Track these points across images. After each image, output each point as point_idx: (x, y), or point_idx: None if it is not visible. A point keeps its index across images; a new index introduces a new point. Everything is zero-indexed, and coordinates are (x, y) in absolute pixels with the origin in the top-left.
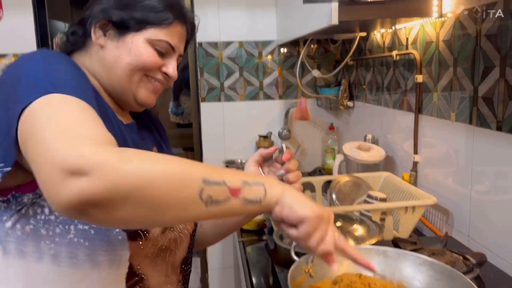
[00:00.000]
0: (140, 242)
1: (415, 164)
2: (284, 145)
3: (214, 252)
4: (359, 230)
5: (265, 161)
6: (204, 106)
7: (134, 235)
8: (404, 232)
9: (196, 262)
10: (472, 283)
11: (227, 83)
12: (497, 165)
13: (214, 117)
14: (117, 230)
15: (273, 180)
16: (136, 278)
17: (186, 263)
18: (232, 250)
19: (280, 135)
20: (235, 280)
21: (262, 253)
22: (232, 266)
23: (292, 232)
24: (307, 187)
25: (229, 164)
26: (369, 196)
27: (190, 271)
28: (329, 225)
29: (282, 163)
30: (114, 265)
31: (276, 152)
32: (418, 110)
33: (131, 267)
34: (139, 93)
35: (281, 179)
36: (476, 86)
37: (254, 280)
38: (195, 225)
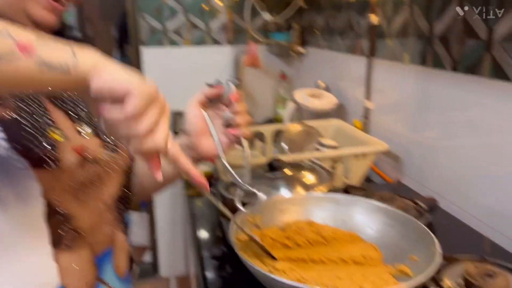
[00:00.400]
0: (52, 173)
1: (366, 110)
2: (231, 85)
3: (162, 207)
4: (309, 177)
5: (210, 103)
6: (146, 52)
7: (38, 162)
8: (355, 179)
9: (143, 217)
10: (425, 228)
11: (170, 26)
12: (451, 108)
13: (156, 63)
14: (15, 156)
15: (85, 46)
16: (60, 217)
17: (122, 201)
18: (181, 205)
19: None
20: (184, 235)
21: (209, 206)
22: (181, 222)
23: (115, 112)
24: (257, 137)
25: (176, 116)
26: (320, 144)
27: (129, 210)
28: (163, 112)
29: (229, 105)
30: (23, 201)
31: (222, 93)
32: (371, 54)
33: (49, 205)
34: (32, 11)
35: (228, 122)
36: (432, 25)
37: (200, 234)
38: (131, 160)
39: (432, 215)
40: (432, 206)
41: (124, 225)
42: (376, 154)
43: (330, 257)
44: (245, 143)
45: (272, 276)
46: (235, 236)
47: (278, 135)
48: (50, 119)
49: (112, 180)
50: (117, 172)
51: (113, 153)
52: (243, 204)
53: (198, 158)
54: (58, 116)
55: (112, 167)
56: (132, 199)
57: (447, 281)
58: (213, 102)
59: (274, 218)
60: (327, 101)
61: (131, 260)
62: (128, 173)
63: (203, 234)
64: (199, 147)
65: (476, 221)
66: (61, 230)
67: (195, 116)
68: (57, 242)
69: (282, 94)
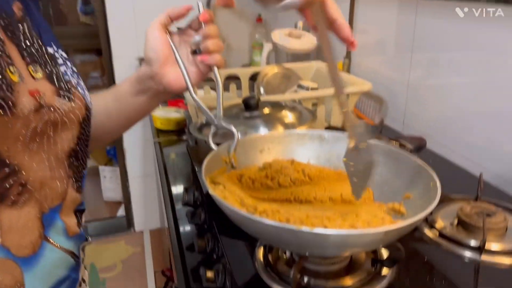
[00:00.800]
0: (6, 119)
1: (348, 51)
2: (200, 3)
3: (134, 160)
4: (289, 116)
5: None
6: None
7: None
8: (337, 122)
9: (115, 171)
10: (422, 162)
11: None
12: (438, 46)
13: (121, 5)
14: None
15: None
16: (7, 169)
17: (76, 157)
18: (153, 158)
19: None
20: (158, 188)
21: (182, 154)
22: (153, 174)
23: None
24: (232, 80)
25: (142, 62)
26: (300, 86)
27: (84, 168)
28: None
29: (198, 29)
30: None
31: (189, 12)
32: None
33: None
34: None
35: (197, 48)
36: None
37: (173, 184)
38: (86, 111)
39: (418, 155)
40: (420, 145)
41: (78, 182)
42: (359, 94)
43: (317, 196)
44: (217, 72)
45: (253, 217)
46: (209, 177)
47: (254, 79)
48: (7, 55)
49: (67, 131)
50: (73, 123)
51: (68, 101)
52: (217, 145)
53: (162, 92)
54: (12, 51)
55: (68, 116)
56: (88, 155)
57: (440, 222)
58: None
59: (252, 158)
60: (307, 40)
61: (80, 219)
62: (85, 125)
63: (176, 184)
64: (164, 78)
65: (466, 161)
66: (7, 184)
67: (157, 40)
68: (1, 197)
69: (258, 40)
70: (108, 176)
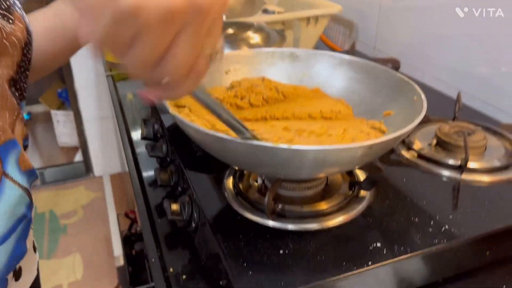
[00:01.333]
0: None
1: None
2: None
3: (88, 102)
4: (255, 38)
5: None
6: None
7: None
8: (306, 47)
9: (69, 115)
10: (401, 75)
11: None
12: None
13: None
14: None
15: None
16: None
17: (15, 87)
18: (109, 98)
19: None
20: (115, 128)
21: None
22: (110, 116)
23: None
24: None
25: None
26: (265, 11)
27: (22, 100)
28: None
29: None
30: None
31: None
32: None
33: None
34: None
35: None
36: None
37: (130, 121)
38: (28, 35)
39: None
40: (394, 67)
41: (20, 114)
42: (328, 17)
43: (295, 113)
44: None
45: (226, 136)
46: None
47: None
48: None
49: (7, 56)
50: (15, 48)
51: (7, 22)
52: None
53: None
54: None
55: (9, 39)
56: (26, 88)
57: (418, 143)
58: None
59: (217, 80)
60: None
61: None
62: (26, 50)
63: (135, 124)
64: None
65: (442, 84)
66: None
67: None
68: None
69: None
70: (62, 121)
